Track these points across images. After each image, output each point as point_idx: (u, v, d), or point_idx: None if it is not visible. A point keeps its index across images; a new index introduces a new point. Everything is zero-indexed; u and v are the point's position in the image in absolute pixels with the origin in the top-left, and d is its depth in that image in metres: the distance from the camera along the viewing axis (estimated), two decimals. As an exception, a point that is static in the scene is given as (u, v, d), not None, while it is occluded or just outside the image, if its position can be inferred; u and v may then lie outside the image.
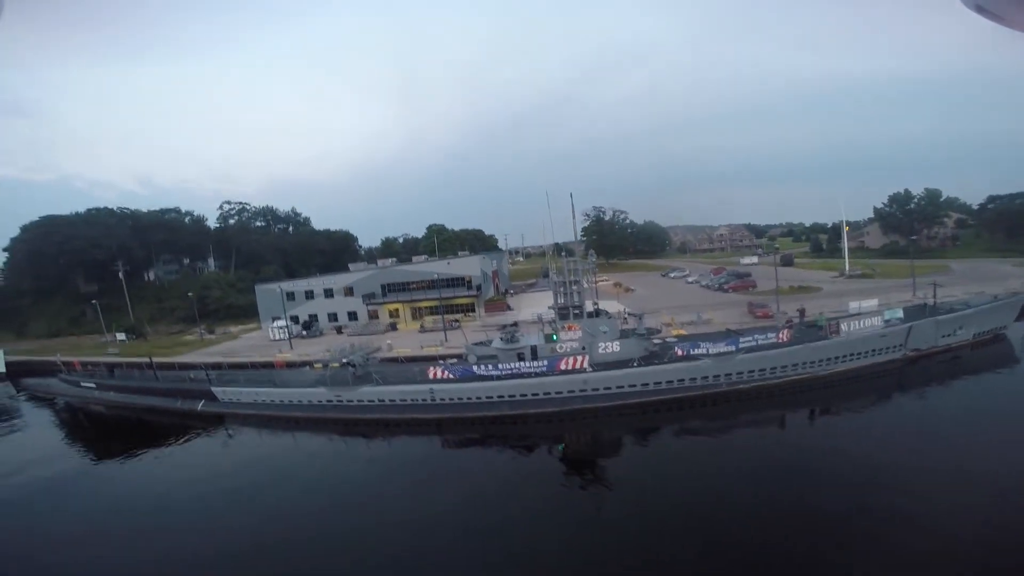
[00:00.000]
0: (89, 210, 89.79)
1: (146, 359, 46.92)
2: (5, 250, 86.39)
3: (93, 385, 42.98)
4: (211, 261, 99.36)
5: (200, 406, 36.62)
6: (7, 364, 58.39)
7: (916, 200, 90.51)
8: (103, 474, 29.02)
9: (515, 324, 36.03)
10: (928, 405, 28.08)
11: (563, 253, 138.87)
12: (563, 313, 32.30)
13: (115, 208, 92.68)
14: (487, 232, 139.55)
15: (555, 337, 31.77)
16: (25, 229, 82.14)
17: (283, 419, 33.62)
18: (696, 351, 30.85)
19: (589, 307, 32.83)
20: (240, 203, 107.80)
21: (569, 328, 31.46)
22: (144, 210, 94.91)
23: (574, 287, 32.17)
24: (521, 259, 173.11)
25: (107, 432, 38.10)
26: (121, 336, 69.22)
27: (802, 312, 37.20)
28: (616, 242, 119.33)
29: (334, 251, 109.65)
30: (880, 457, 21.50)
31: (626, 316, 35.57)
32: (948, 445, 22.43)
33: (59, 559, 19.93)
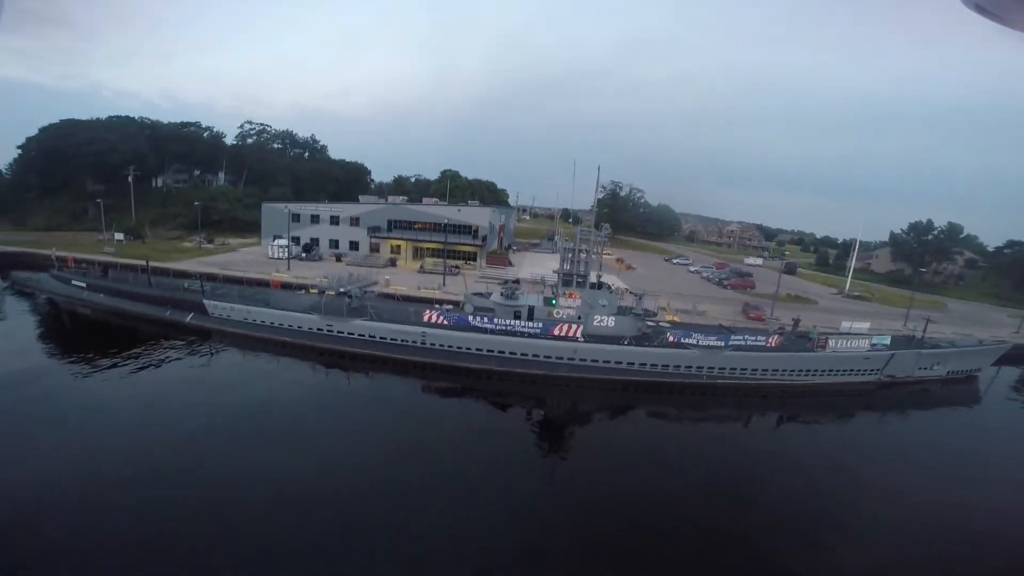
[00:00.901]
0: (110, 117, 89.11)
1: (141, 262, 45.63)
2: (19, 147, 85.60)
3: (83, 285, 41.20)
4: (222, 175, 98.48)
5: (188, 319, 35.90)
6: (0, 255, 56.15)
7: (936, 232, 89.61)
8: (62, 378, 27.25)
9: (517, 281, 36.20)
10: (885, 429, 30.18)
11: (570, 220, 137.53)
12: (566, 279, 32.44)
13: (136, 117, 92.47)
14: (499, 186, 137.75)
15: (554, 302, 32.06)
16: (43, 130, 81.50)
17: (271, 342, 33.39)
18: (686, 340, 31.42)
19: (592, 278, 32.93)
20: (261, 124, 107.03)
21: (569, 295, 31.71)
22: (165, 122, 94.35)
23: (582, 255, 32.20)
24: (527, 218, 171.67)
25: (84, 334, 36.51)
26: (119, 236, 68.76)
27: (796, 322, 37.73)
28: (627, 219, 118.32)
29: (347, 180, 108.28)
30: (821, 470, 23.53)
31: (627, 293, 35.74)
32: (888, 469, 24.27)
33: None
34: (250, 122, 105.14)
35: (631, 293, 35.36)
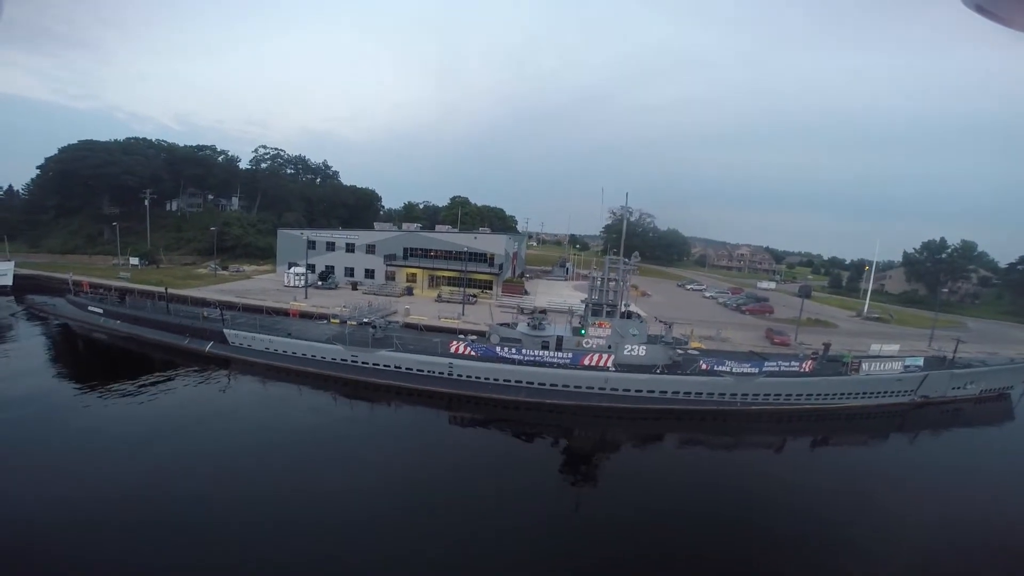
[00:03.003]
0: (128, 139, 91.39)
1: (157, 288, 45.07)
2: (38, 168, 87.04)
3: (101, 311, 40.80)
4: (235, 200, 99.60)
5: (208, 347, 35.52)
6: (16, 278, 55.76)
7: (950, 250, 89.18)
8: (79, 404, 27.18)
9: (544, 311, 35.80)
10: (920, 451, 30.33)
11: (577, 246, 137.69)
12: (596, 309, 32.08)
13: (153, 139, 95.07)
14: (507, 212, 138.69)
15: (583, 331, 31.61)
16: (63, 150, 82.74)
17: (292, 372, 32.90)
18: (720, 368, 30.92)
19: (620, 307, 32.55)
20: (276, 148, 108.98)
21: (600, 325, 31.30)
22: (180, 144, 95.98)
23: (611, 284, 31.90)
24: (535, 244, 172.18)
25: (105, 361, 36.09)
26: (134, 260, 69.17)
27: (827, 346, 37.23)
28: (639, 245, 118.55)
29: (358, 207, 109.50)
30: (857, 496, 22.77)
31: (655, 321, 35.34)
32: (923, 493, 23.77)
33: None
34: (264, 146, 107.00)
35: (660, 321, 34.96)
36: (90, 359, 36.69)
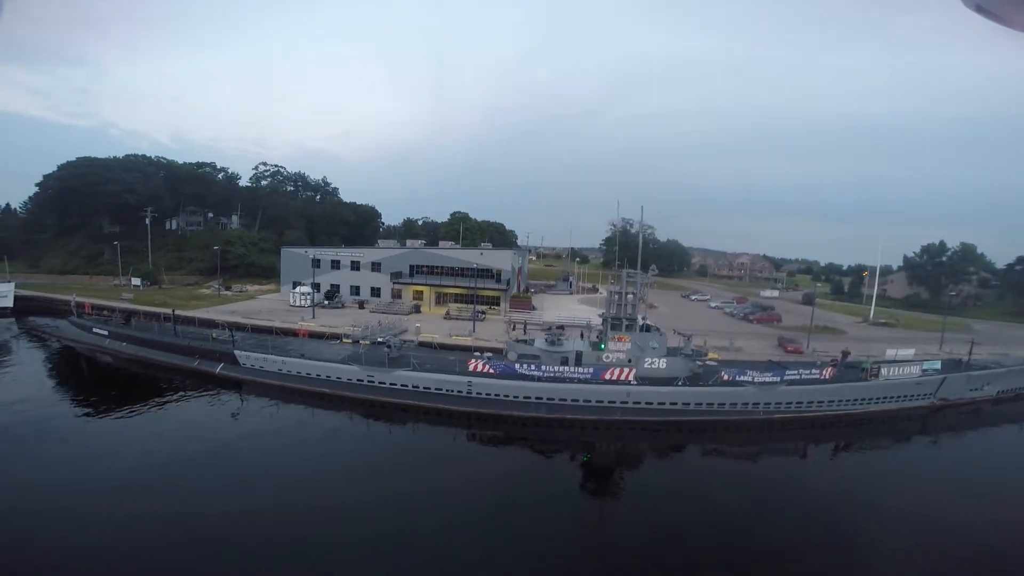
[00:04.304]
0: (127, 156, 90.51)
1: (162, 309, 44.46)
2: (37, 185, 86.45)
3: (106, 333, 40.22)
4: (235, 218, 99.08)
5: (219, 369, 34.97)
6: (16, 299, 54.88)
7: (950, 253, 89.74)
8: (88, 427, 26.81)
9: (561, 327, 35.54)
10: (941, 452, 30.20)
11: (576, 260, 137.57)
12: (615, 323, 31.86)
13: (152, 157, 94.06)
14: (507, 227, 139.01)
15: (603, 346, 31.34)
16: (62, 168, 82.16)
17: (306, 393, 32.35)
18: (742, 378, 30.73)
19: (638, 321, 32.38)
20: (276, 165, 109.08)
21: (619, 339, 31.06)
22: (179, 162, 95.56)
23: (629, 298, 31.73)
24: (534, 258, 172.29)
25: (108, 384, 35.20)
26: (136, 281, 68.44)
27: (845, 353, 37.14)
28: (638, 256, 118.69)
29: (358, 223, 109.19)
30: (877, 499, 22.72)
31: (674, 334, 35.16)
32: (949, 495, 23.43)
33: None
34: (264, 163, 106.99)
35: (678, 334, 34.79)
36: (97, 382, 35.84)
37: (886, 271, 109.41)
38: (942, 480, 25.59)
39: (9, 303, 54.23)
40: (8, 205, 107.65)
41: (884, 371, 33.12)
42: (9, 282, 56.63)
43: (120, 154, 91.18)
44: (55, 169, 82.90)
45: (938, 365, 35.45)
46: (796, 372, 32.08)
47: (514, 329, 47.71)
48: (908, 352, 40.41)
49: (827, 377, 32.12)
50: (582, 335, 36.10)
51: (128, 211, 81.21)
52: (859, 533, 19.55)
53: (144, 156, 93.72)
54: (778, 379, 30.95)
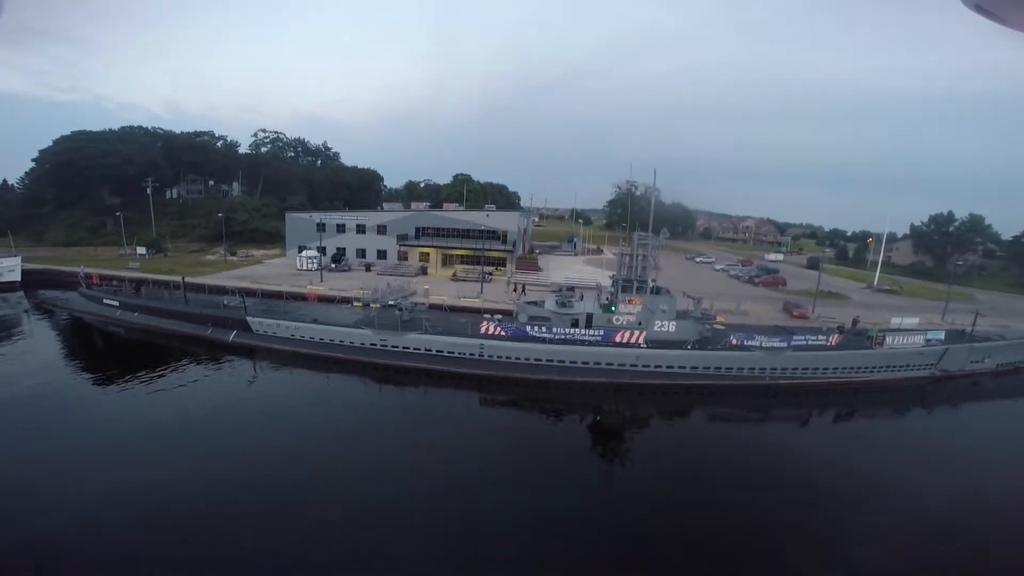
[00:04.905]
0: (123, 128, 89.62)
1: (171, 277, 44.22)
2: (33, 161, 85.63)
3: (116, 303, 39.77)
4: (236, 185, 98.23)
5: (232, 336, 34.99)
6: (23, 273, 54.78)
7: (957, 223, 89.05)
8: (103, 398, 26.80)
9: (572, 289, 35.67)
10: (941, 423, 30.36)
11: (579, 221, 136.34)
12: (625, 286, 31.96)
13: (148, 127, 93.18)
14: (510, 189, 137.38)
15: (613, 308, 31.57)
16: (58, 142, 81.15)
17: (320, 358, 32.54)
18: (750, 342, 31.05)
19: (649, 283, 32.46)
20: (275, 132, 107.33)
21: (630, 302, 31.25)
22: (177, 131, 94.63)
23: (641, 261, 31.75)
24: (537, 220, 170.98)
25: (127, 354, 35.05)
26: (142, 250, 68.26)
27: (855, 320, 37.35)
28: (645, 219, 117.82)
29: (360, 187, 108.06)
30: (874, 468, 23.10)
31: (684, 296, 35.26)
32: (946, 466, 24.10)
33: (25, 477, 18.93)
34: (264, 130, 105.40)
35: (688, 296, 34.92)
36: (111, 354, 35.64)
37: (891, 239, 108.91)
38: (941, 452, 25.89)
39: (17, 277, 54.04)
40: (5, 181, 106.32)
41: (889, 339, 33.27)
42: (15, 256, 56.41)
43: (115, 126, 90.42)
44: (51, 144, 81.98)
45: (942, 336, 35.46)
46: (803, 338, 32.35)
47: (515, 291, 47.99)
48: (912, 321, 40.23)
49: (833, 344, 32.37)
50: (598, 297, 35.97)
51: (128, 182, 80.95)
52: (853, 501, 20.04)
53: (140, 127, 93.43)
54: (785, 344, 31.23)
